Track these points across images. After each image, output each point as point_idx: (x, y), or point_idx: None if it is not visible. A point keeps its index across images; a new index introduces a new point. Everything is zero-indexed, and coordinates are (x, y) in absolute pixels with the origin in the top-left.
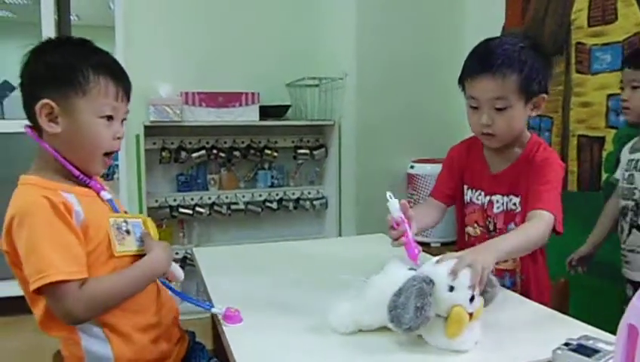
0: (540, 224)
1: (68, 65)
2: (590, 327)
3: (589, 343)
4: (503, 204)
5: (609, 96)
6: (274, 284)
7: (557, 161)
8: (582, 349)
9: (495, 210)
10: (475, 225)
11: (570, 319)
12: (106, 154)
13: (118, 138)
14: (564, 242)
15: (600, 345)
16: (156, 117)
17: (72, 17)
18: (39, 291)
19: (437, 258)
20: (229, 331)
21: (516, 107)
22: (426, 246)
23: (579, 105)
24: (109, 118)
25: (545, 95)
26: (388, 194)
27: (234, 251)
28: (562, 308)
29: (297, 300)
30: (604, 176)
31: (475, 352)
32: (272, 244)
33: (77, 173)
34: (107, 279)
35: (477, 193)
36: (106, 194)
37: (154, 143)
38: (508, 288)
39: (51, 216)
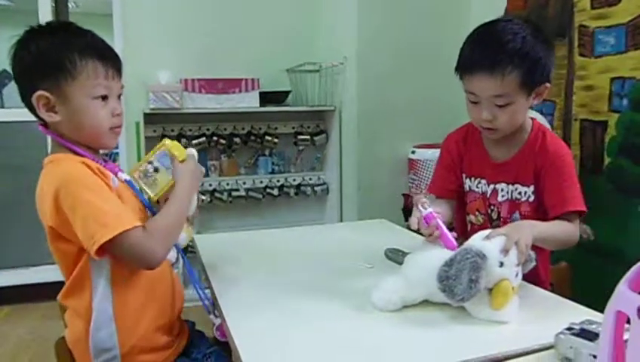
0: (569, 226)
1: (53, 53)
2: (593, 311)
3: (592, 327)
4: (508, 192)
5: (612, 79)
6: (275, 270)
7: (567, 149)
8: (584, 333)
9: (500, 199)
10: (477, 213)
11: (573, 303)
12: (112, 128)
13: (117, 114)
14: None
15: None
16: (156, 104)
17: (70, 5)
18: (102, 249)
19: (483, 233)
20: (230, 318)
21: (518, 102)
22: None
23: (582, 88)
24: (104, 97)
25: (548, 84)
26: (421, 204)
27: (235, 238)
28: (564, 292)
29: (299, 286)
30: (607, 160)
31: (478, 336)
32: (273, 230)
33: (92, 156)
34: (159, 215)
35: (476, 181)
36: (122, 175)
37: (154, 131)
38: None
39: (94, 178)
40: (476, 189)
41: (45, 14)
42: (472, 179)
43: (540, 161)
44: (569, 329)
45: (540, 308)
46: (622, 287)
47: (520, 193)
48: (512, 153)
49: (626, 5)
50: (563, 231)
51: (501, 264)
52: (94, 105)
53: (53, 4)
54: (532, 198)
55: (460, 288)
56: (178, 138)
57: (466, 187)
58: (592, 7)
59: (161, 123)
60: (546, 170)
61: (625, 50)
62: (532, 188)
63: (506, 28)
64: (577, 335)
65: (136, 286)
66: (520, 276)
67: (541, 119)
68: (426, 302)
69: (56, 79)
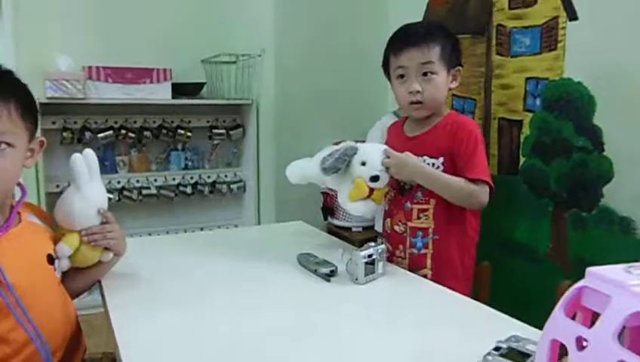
0: (469, 184)
1: None
2: (517, 323)
3: (519, 345)
4: None
5: (527, 79)
6: (178, 277)
7: (474, 125)
8: (513, 354)
9: None
10: (391, 189)
11: (496, 312)
12: None
13: None
14: (483, 225)
15: (529, 347)
16: (54, 93)
17: None
18: None
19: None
20: (118, 329)
21: (440, 74)
22: (347, 230)
23: (499, 87)
24: None
25: (460, 68)
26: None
27: (140, 243)
28: (484, 291)
29: (211, 297)
30: (522, 160)
31: (401, 352)
32: (181, 235)
33: None
34: None
35: None
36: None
37: (53, 123)
38: (420, 249)
39: None
40: None
41: None
42: None
43: (452, 136)
44: (497, 349)
45: (461, 319)
46: (557, 313)
47: (428, 164)
48: (424, 130)
49: (541, 7)
50: (458, 182)
51: (363, 163)
52: None
53: None
54: (441, 168)
55: (329, 161)
56: (82, 130)
57: None
58: (510, 8)
59: (61, 114)
60: (459, 143)
61: (539, 51)
62: (441, 160)
63: (422, 23)
64: (505, 356)
65: None
66: (380, 184)
67: None
68: (343, 317)
69: None
